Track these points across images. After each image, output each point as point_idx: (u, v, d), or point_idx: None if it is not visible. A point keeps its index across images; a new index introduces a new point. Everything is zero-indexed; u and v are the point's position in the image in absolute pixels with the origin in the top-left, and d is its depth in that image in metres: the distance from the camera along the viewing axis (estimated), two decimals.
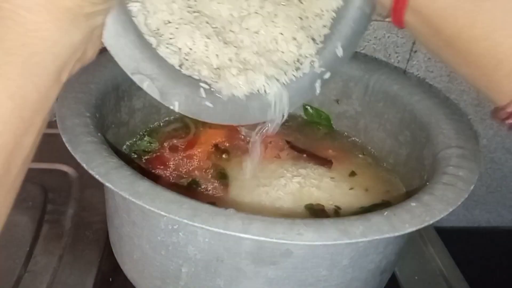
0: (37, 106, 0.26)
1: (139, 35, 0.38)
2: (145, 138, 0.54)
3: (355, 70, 0.56)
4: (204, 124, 0.52)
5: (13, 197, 0.27)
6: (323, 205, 0.46)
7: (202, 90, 0.41)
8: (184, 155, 0.52)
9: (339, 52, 0.45)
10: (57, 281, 0.49)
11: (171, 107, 0.41)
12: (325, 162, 0.53)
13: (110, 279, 0.51)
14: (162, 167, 0.50)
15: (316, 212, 0.46)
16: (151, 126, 0.55)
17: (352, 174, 0.52)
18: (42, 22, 0.25)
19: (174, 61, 0.40)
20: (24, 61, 0.25)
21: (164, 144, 0.53)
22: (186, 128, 0.56)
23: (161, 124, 0.56)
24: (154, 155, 0.52)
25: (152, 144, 0.53)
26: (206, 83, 0.41)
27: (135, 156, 0.51)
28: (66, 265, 0.51)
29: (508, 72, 0.29)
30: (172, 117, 0.57)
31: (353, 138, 0.58)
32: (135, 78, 0.39)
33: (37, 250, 0.52)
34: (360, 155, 0.56)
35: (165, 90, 0.40)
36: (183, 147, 0.53)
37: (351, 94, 0.57)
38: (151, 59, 0.39)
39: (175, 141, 0.54)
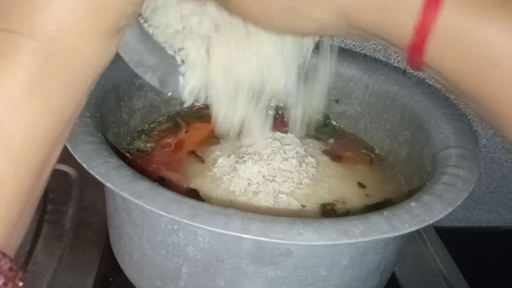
0: (71, 119, 0.27)
1: (141, 27, 0.40)
2: (142, 137, 0.54)
3: (355, 70, 0.56)
4: (195, 121, 0.54)
5: (37, 202, 0.28)
6: (334, 204, 0.47)
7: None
8: (174, 153, 0.52)
9: None
10: (57, 281, 0.49)
11: (168, 94, 0.43)
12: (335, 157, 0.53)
13: (110, 279, 0.51)
14: (154, 165, 0.50)
15: (327, 212, 0.46)
16: (146, 126, 0.56)
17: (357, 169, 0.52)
18: (85, 44, 0.26)
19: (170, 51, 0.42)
20: (67, 78, 0.26)
21: (158, 143, 0.53)
22: (177, 126, 0.56)
23: (155, 124, 0.56)
24: (148, 153, 0.52)
25: (147, 144, 0.53)
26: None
27: (129, 155, 0.51)
28: (66, 265, 0.51)
29: None
30: (165, 117, 0.57)
31: (355, 134, 0.58)
32: (138, 71, 0.41)
33: (37, 250, 0.52)
34: (363, 150, 0.56)
35: (163, 79, 0.42)
36: (173, 146, 0.53)
37: (351, 94, 0.57)
38: (152, 50, 0.41)
39: (168, 140, 0.54)
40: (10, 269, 0.23)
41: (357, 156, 0.55)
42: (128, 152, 0.51)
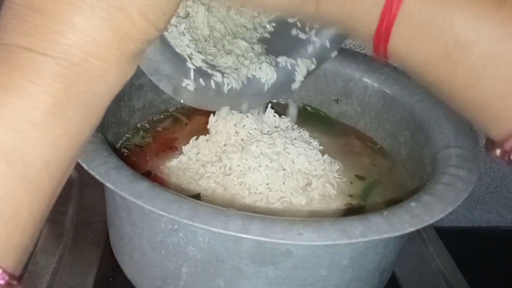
0: (86, 141, 0.27)
1: (161, 37, 0.41)
2: (139, 133, 0.54)
3: (355, 70, 0.56)
4: (195, 116, 0.55)
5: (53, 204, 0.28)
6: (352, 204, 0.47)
7: (212, 82, 0.45)
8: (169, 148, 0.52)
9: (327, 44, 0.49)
10: (57, 281, 0.49)
11: (181, 101, 0.45)
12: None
13: (110, 279, 0.51)
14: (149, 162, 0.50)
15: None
16: (144, 122, 0.56)
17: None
18: (108, 68, 0.26)
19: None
20: (87, 103, 0.25)
21: (156, 138, 0.53)
22: (176, 121, 0.56)
23: (154, 119, 0.56)
24: (145, 149, 0.52)
25: (145, 139, 0.53)
26: (219, 71, 0.45)
27: (127, 151, 0.51)
28: (66, 265, 0.51)
29: (494, 115, 0.29)
30: (165, 114, 0.57)
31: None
32: (153, 78, 0.42)
33: (37, 250, 0.52)
34: (368, 143, 0.56)
35: (178, 87, 0.44)
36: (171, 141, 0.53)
37: (351, 94, 0.57)
38: (169, 59, 0.42)
39: (166, 135, 0.54)
40: None
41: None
42: (125, 148, 0.51)
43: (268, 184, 0.44)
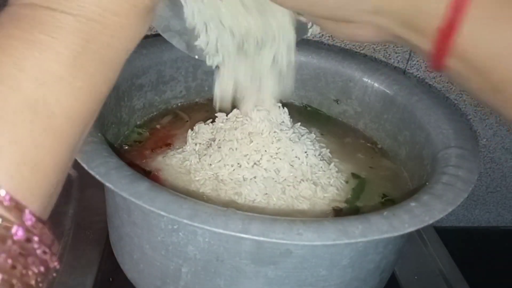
0: (104, 98, 0.28)
1: None
2: (135, 129, 0.54)
3: (355, 70, 0.56)
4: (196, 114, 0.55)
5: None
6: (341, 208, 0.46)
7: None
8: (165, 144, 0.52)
9: None
10: (57, 281, 0.49)
11: (196, 57, 0.44)
12: None
13: (110, 279, 0.51)
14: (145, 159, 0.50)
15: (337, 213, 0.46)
16: (145, 119, 0.56)
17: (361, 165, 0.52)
18: (124, 23, 0.27)
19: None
20: (104, 57, 0.27)
21: (154, 134, 0.53)
22: (176, 117, 0.56)
23: (155, 115, 0.57)
24: (142, 145, 0.52)
25: (142, 135, 0.53)
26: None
27: (126, 147, 0.51)
28: (66, 265, 0.51)
29: None
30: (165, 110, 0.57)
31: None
32: (166, 35, 0.43)
33: None
34: (368, 144, 0.56)
35: (190, 43, 0.43)
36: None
37: (351, 94, 0.57)
38: (179, 15, 0.42)
39: (165, 132, 0.54)
40: (49, 237, 0.24)
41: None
42: (126, 144, 0.52)
43: (266, 193, 0.44)
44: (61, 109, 0.25)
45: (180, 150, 0.49)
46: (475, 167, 0.41)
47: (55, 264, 0.25)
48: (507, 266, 0.71)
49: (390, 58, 0.67)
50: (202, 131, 0.49)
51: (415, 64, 0.68)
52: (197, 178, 0.45)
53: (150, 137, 0.53)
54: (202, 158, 0.47)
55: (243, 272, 0.37)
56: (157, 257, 0.40)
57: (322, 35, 0.64)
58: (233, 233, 0.32)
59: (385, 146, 0.56)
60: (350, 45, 0.66)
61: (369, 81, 0.56)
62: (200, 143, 0.49)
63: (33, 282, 0.24)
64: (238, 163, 0.45)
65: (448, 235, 0.63)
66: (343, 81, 0.57)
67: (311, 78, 0.59)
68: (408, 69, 0.69)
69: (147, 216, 0.38)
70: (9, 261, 0.22)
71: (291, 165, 0.46)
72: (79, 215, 0.57)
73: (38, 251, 0.24)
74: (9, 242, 0.22)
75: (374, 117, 0.56)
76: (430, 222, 0.35)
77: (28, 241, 0.23)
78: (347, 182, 0.49)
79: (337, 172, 0.48)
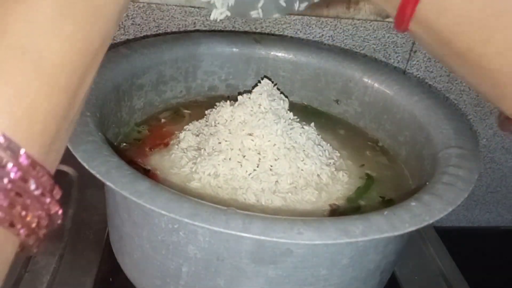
0: (100, 49, 0.28)
1: None
2: (134, 127, 0.54)
3: (355, 70, 0.57)
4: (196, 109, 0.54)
5: (71, 132, 0.28)
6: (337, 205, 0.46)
7: None
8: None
9: None
10: (57, 281, 0.49)
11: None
12: None
13: (110, 279, 0.51)
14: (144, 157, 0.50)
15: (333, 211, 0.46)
16: (145, 117, 0.56)
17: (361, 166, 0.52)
18: None
19: None
20: (93, 5, 0.26)
21: (153, 132, 0.53)
22: (177, 114, 0.56)
23: (155, 113, 0.57)
24: (141, 143, 0.52)
25: (141, 133, 0.53)
26: None
27: (125, 145, 0.51)
28: (66, 265, 0.51)
29: None
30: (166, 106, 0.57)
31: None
32: None
33: None
34: (369, 143, 0.56)
35: None
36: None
37: (351, 94, 0.57)
38: None
39: (165, 129, 0.54)
40: (48, 181, 0.24)
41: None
42: (125, 142, 0.52)
43: (266, 192, 0.44)
44: (51, 53, 0.25)
45: (179, 148, 0.49)
46: (475, 167, 0.41)
47: (57, 209, 0.25)
48: (507, 266, 0.71)
49: (390, 58, 0.67)
50: (201, 127, 0.49)
51: (415, 64, 0.68)
52: (196, 177, 0.45)
53: (149, 135, 0.53)
54: (201, 156, 0.47)
55: (244, 271, 0.37)
56: (157, 256, 0.39)
57: (322, 35, 0.64)
58: (233, 232, 0.32)
59: (385, 146, 0.56)
60: (350, 45, 0.66)
61: (369, 81, 0.56)
62: (199, 141, 0.49)
63: (34, 225, 0.24)
64: (238, 161, 0.45)
65: (448, 235, 0.63)
66: (343, 81, 0.57)
67: (311, 78, 0.59)
68: (408, 69, 0.69)
69: (148, 215, 0.38)
70: (6, 199, 0.22)
71: (292, 163, 0.46)
72: (79, 215, 0.57)
73: (36, 193, 0.24)
74: (5, 180, 0.22)
75: (374, 117, 0.56)
76: (431, 221, 0.35)
77: (24, 181, 0.23)
78: (348, 181, 0.49)
79: (336, 170, 0.48)
